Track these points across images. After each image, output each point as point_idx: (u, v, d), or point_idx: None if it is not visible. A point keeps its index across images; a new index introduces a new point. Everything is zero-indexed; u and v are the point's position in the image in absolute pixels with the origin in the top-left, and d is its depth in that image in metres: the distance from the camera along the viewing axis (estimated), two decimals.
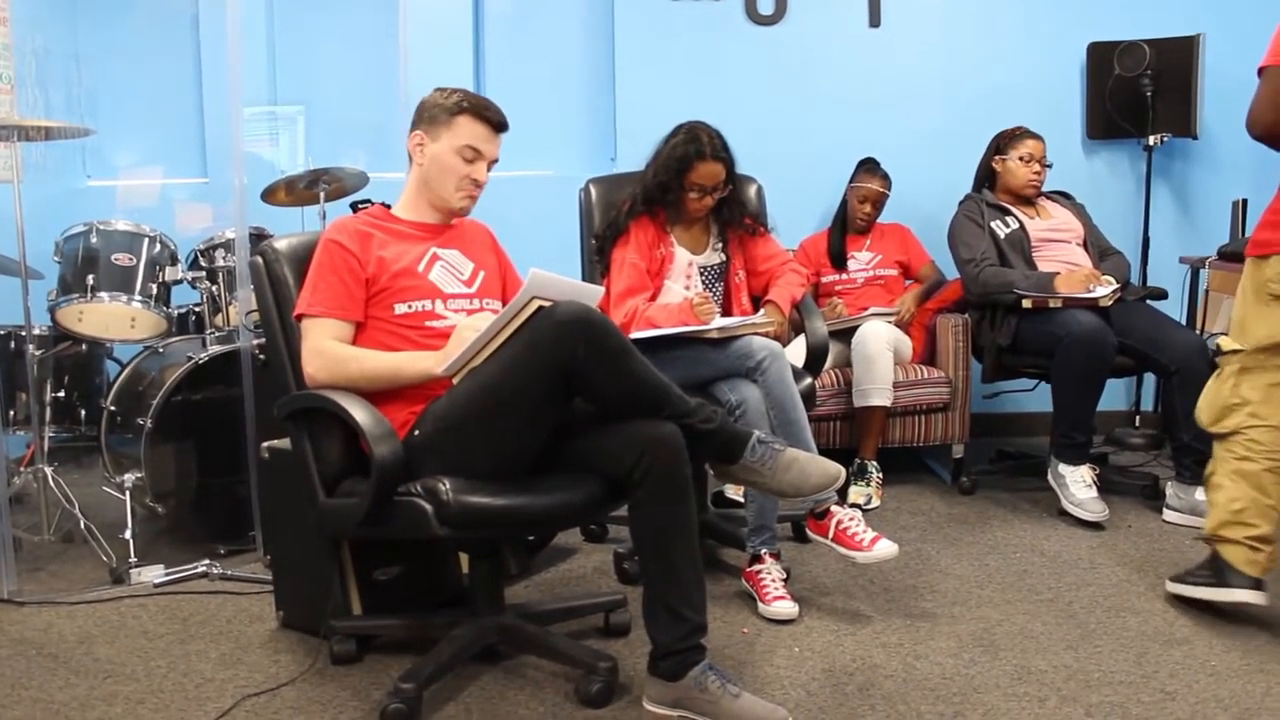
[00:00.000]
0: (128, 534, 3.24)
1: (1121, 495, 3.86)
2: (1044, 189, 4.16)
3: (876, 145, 4.58)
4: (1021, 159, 4.04)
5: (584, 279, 3.38)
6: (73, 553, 3.39)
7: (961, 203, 4.16)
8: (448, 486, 2.14)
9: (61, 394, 3.72)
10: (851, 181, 4.48)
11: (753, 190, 3.57)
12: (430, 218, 2.59)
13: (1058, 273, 3.80)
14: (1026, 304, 3.72)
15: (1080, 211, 4.17)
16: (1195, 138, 4.69)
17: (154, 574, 3.15)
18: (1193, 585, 2.84)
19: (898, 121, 4.84)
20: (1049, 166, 4.09)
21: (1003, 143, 4.13)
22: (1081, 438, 3.65)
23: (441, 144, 2.51)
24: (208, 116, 4.80)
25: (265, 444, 2.84)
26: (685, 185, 3.17)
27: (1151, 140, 4.66)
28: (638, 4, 4.79)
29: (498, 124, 2.55)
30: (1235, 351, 2.73)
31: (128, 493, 3.34)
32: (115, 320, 3.61)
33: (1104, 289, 3.70)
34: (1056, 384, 3.70)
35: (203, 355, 3.40)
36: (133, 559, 3.18)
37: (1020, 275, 3.82)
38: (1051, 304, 3.69)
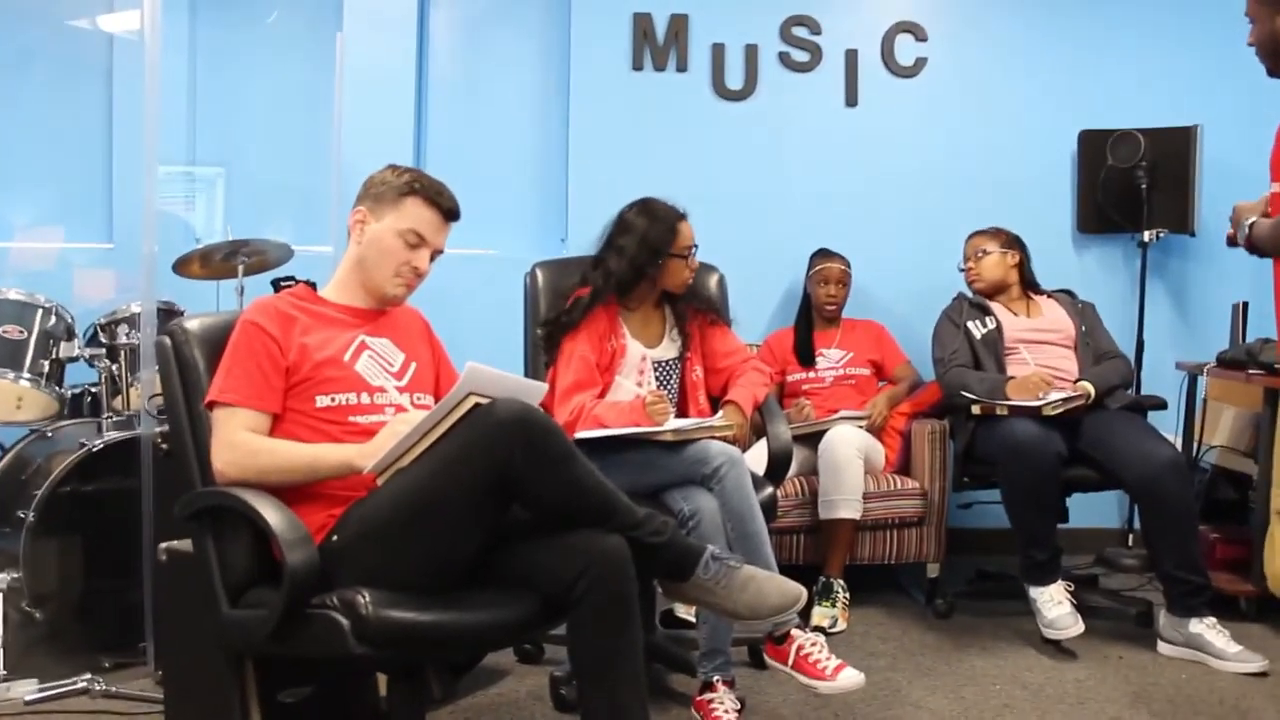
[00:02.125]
0: None
1: (1112, 622, 3.91)
2: (1048, 289, 4.30)
3: (850, 235, 4.70)
4: (969, 258, 4.23)
5: (526, 372, 3.41)
6: None
7: (951, 301, 4.29)
8: (367, 599, 2.13)
9: None
10: (809, 272, 4.59)
11: (713, 280, 3.65)
12: (361, 302, 2.61)
13: (1011, 377, 3.90)
14: (976, 410, 3.80)
15: (1083, 311, 4.27)
16: (1193, 234, 4.85)
17: (26, 689, 3.07)
18: None
19: (873, 210, 4.96)
20: (990, 253, 4.22)
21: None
22: (1043, 555, 3.68)
23: (385, 224, 2.54)
24: (117, 174, 4.79)
25: (163, 545, 2.81)
26: (674, 254, 3.27)
27: (1146, 236, 4.80)
28: (596, 73, 4.91)
29: (448, 211, 2.58)
30: None
31: (1, 595, 3.27)
32: None
33: (1055, 396, 3.77)
34: (1004, 498, 3.78)
35: (97, 442, 3.39)
36: (2, 671, 3.11)
37: (976, 378, 3.93)
38: (999, 410, 3.77)
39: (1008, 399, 3.80)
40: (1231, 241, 2.95)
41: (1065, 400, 3.76)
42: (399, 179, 2.56)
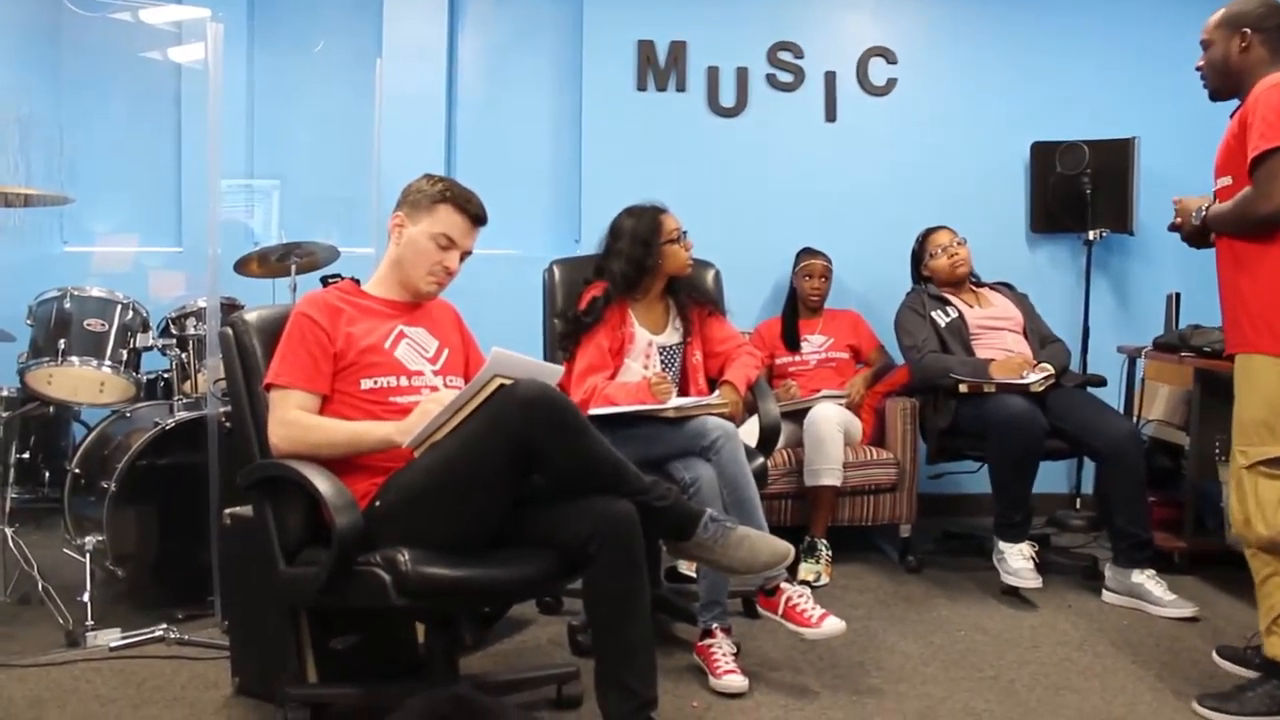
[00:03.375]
0: (85, 597, 3.17)
1: (1062, 575, 3.90)
2: (988, 281, 4.26)
3: (829, 235, 4.68)
4: (933, 255, 4.17)
5: (545, 357, 3.40)
6: (29, 615, 3.31)
7: (908, 294, 4.25)
8: (406, 557, 2.13)
9: (26, 455, 3.67)
10: (795, 268, 4.57)
11: (710, 275, 3.63)
12: (399, 296, 2.61)
13: (993, 359, 3.88)
14: (963, 389, 3.78)
15: (1021, 301, 4.25)
16: (1132, 234, 4.83)
17: (110, 637, 3.08)
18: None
19: (850, 212, 4.93)
20: (963, 241, 4.17)
21: (917, 247, 4.29)
22: (1018, 517, 3.67)
23: (420, 228, 2.53)
24: (185, 187, 4.79)
25: (228, 511, 2.82)
26: (664, 242, 3.25)
27: (1091, 235, 4.80)
28: (605, 93, 4.89)
29: (476, 217, 2.57)
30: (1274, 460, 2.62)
31: (88, 555, 3.28)
32: (84, 384, 3.57)
33: (1036, 375, 3.77)
34: (991, 466, 3.76)
35: (169, 421, 3.38)
36: (89, 622, 3.11)
37: (958, 361, 3.89)
38: (986, 389, 3.75)
39: (992, 378, 3.78)
40: (1174, 229, 2.95)
41: (1045, 379, 3.76)
42: (433, 188, 2.55)
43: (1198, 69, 2.88)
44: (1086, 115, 4.94)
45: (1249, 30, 2.71)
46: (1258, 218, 2.59)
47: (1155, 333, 4.27)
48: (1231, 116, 2.75)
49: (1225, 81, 2.79)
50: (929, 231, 4.26)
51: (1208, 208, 2.81)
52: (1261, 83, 2.62)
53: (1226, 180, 2.74)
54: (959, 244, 4.16)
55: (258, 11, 4.90)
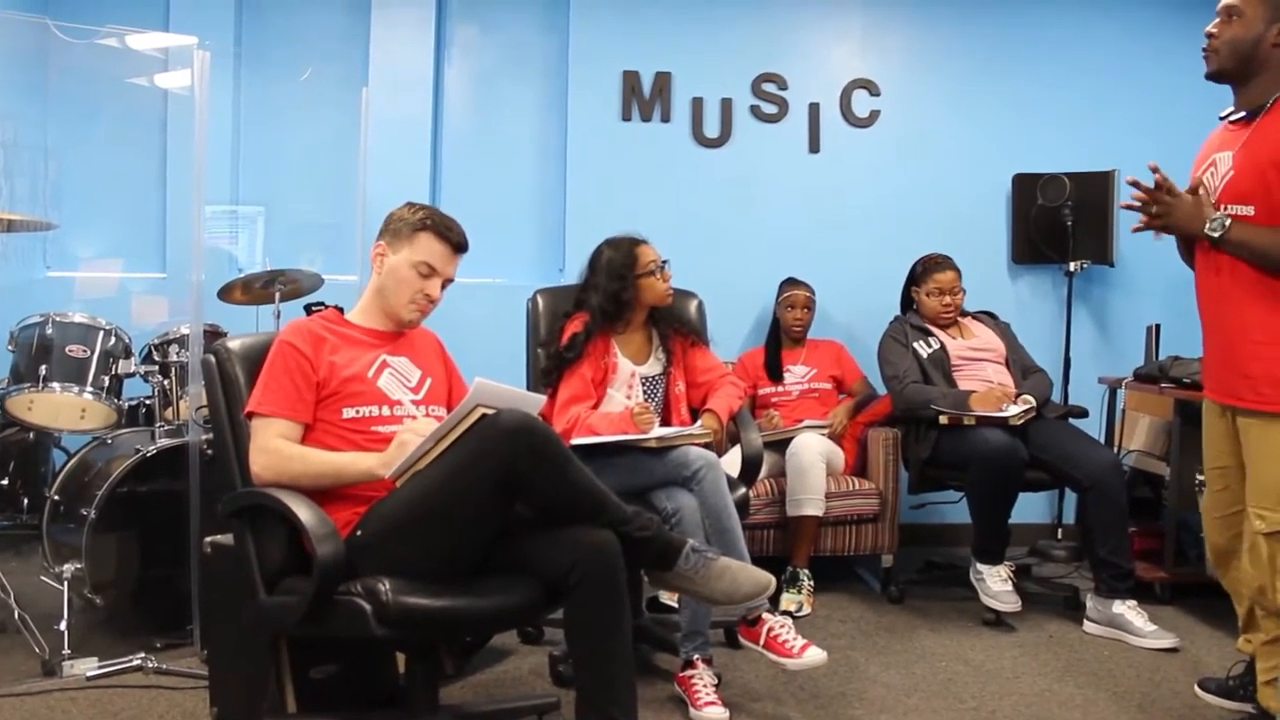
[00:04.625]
0: (63, 625, 3.15)
1: (1044, 605, 3.91)
2: (970, 310, 4.29)
3: (812, 265, 4.70)
4: (930, 294, 4.16)
5: (528, 386, 3.41)
6: (4, 643, 3.28)
7: (890, 324, 4.27)
8: (387, 587, 2.13)
9: (5, 482, 3.66)
10: (778, 298, 4.59)
11: (693, 305, 3.65)
12: (382, 325, 2.61)
13: (974, 391, 3.90)
14: (943, 420, 3.80)
15: (1004, 331, 4.28)
16: (1112, 265, 4.88)
17: (87, 666, 3.06)
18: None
19: (833, 243, 4.96)
20: (963, 292, 4.18)
21: (918, 272, 4.25)
22: (997, 543, 3.74)
23: (400, 257, 2.54)
24: (170, 213, 4.78)
25: (208, 539, 2.81)
26: (640, 274, 3.26)
27: (1072, 266, 4.83)
28: (590, 123, 4.91)
29: (457, 244, 2.57)
30: None
31: (66, 583, 3.26)
32: (65, 410, 3.56)
33: (1016, 408, 3.79)
34: (970, 495, 3.79)
35: (151, 448, 3.37)
36: (66, 651, 3.09)
37: (939, 393, 3.92)
38: (966, 421, 3.77)
39: (972, 410, 3.80)
40: (1150, 216, 2.52)
41: (1024, 411, 3.79)
42: (414, 216, 2.56)
43: (1207, 35, 2.51)
44: (1068, 147, 5.00)
45: None
46: None
47: (1136, 363, 4.30)
48: (1228, 122, 2.55)
49: (1238, 65, 2.45)
50: (936, 264, 4.18)
51: (1231, 221, 2.43)
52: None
53: (1247, 210, 2.44)
54: (957, 291, 4.15)
55: (245, 38, 4.92)
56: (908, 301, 4.32)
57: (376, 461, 2.33)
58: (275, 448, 2.36)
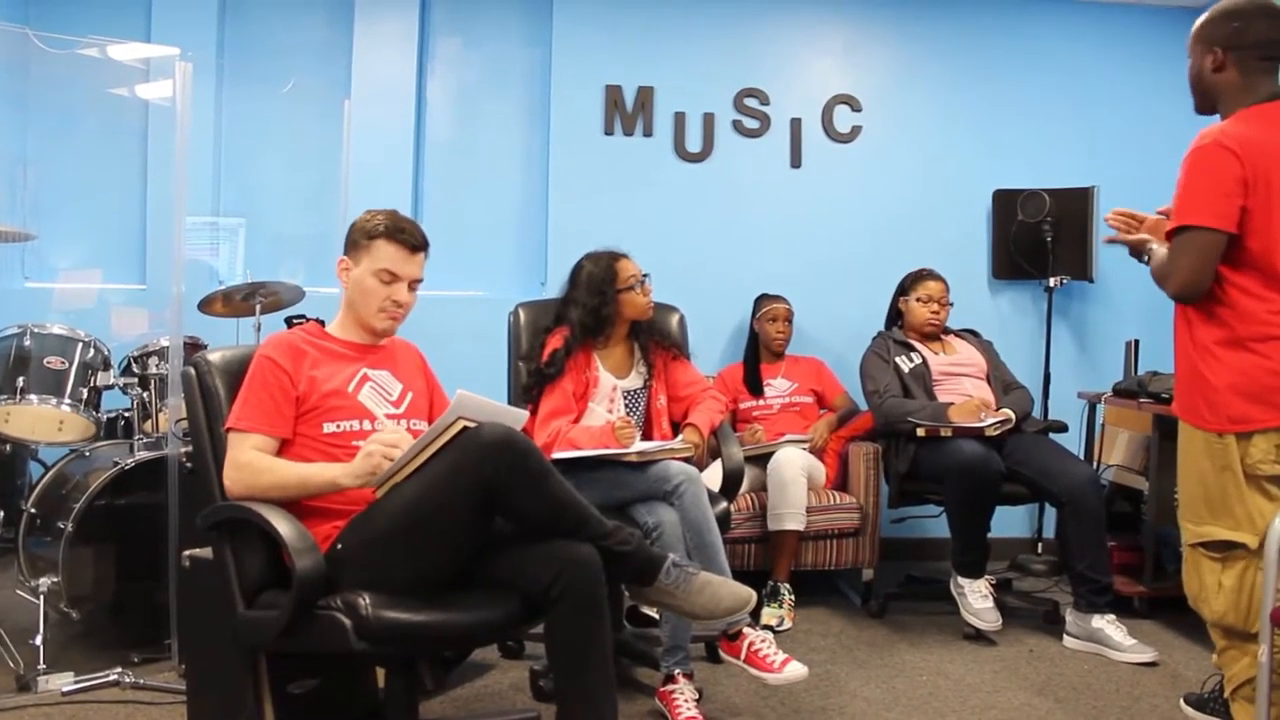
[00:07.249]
0: (38, 640, 3.12)
1: (1024, 620, 3.93)
2: (953, 327, 4.32)
3: (794, 280, 4.73)
4: (919, 300, 4.20)
5: (510, 400, 3.41)
6: None
7: (874, 340, 4.29)
8: (367, 601, 2.12)
9: None
10: (756, 314, 4.61)
11: (674, 319, 3.66)
12: (360, 338, 2.61)
13: (951, 403, 3.92)
14: (920, 433, 3.82)
15: (986, 348, 4.31)
16: (1092, 280, 4.92)
17: (63, 682, 3.03)
18: None
19: (815, 258, 4.99)
20: (950, 305, 4.23)
21: (907, 283, 4.30)
22: (977, 556, 3.76)
23: (362, 268, 2.53)
24: (150, 224, 4.76)
25: (187, 552, 2.79)
26: (620, 289, 3.28)
27: (1052, 282, 4.87)
28: (572, 137, 4.93)
29: (414, 245, 2.54)
30: (1238, 545, 2.45)
31: (42, 597, 3.23)
32: (43, 422, 3.53)
33: (993, 419, 3.82)
34: (947, 507, 3.82)
35: (129, 461, 3.35)
36: (41, 665, 3.06)
37: (917, 406, 3.94)
38: (943, 433, 3.79)
39: (950, 422, 3.82)
40: (1115, 242, 2.74)
41: (1001, 423, 3.81)
42: (368, 224, 2.54)
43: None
44: (1048, 164, 5.05)
45: (1220, 50, 2.50)
46: (1166, 292, 2.51)
47: (1115, 378, 4.34)
48: None
49: (1201, 100, 2.60)
50: (927, 275, 4.25)
51: (1150, 253, 2.62)
52: (1197, 139, 2.46)
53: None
54: (945, 302, 4.20)
55: (228, 50, 4.92)
56: (894, 316, 4.34)
57: (341, 471, 2.32)
58: (247, 461, 2.35)
